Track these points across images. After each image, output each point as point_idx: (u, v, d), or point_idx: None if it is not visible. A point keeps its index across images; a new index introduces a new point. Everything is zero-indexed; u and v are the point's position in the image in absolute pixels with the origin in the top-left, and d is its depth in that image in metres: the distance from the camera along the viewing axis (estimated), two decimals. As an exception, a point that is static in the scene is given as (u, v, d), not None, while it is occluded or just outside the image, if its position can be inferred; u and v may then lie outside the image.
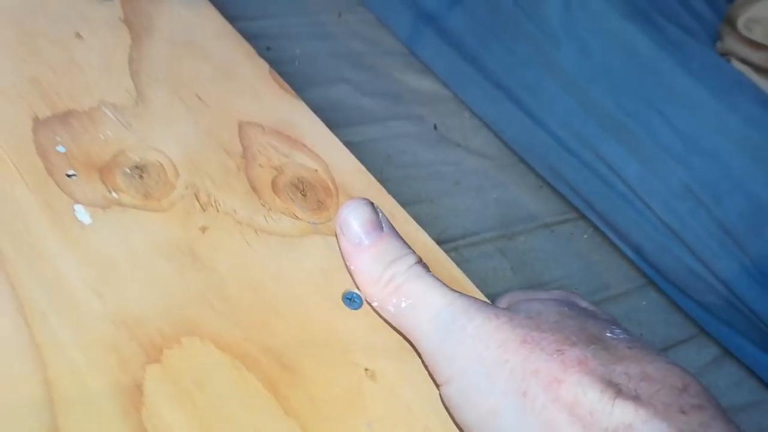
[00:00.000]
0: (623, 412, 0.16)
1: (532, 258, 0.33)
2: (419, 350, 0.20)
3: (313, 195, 0.24)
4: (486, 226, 0.33)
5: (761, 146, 0.35)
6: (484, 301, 0.20)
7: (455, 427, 0.19)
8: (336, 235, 0.22)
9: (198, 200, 0.22)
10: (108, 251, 0.19)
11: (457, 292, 0.20)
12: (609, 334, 0.19)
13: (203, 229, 0.21)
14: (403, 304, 0.21)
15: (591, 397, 0.17)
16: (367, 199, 0.22)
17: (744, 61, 0.37)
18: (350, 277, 0.22)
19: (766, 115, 0.35)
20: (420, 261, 0.21)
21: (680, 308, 0.38)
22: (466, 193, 0.35)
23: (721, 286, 0.35)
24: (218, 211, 0.22)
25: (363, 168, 0.25)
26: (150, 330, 0.17)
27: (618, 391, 0.17)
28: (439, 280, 0.20)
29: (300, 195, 0.24)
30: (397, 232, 0.22)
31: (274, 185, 0.24)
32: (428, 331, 0.20)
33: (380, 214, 0.22)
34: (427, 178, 0.35)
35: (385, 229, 0.22)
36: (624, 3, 0.38)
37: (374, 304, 0.21)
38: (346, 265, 0.21)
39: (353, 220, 0.21)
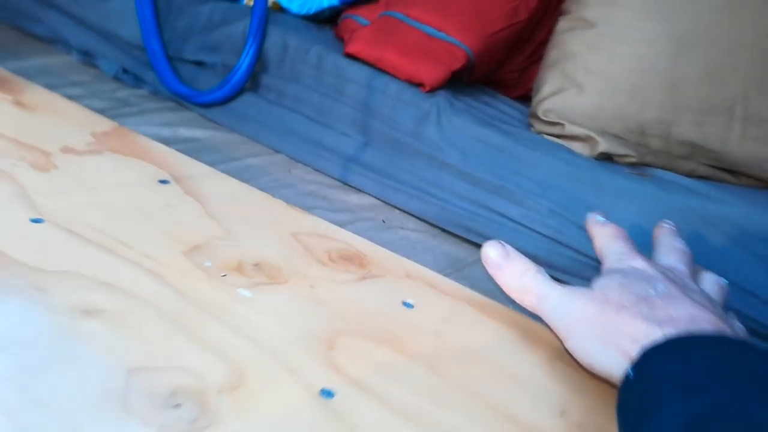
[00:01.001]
0: (660, 332, 0.32)
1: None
2: (550, 325, 0.37)
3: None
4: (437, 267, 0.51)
5: (577, 176, 0.57)
6: (579, 288, 0.37)
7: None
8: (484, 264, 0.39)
9: (298, 275, 0.40)
10: (264, 306, 0.36)
11: (562, 285, 0.37)
12: (652, 291, 0.34)
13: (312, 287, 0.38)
14: (534, 299, 0.37)
15: (640, 327, 0.32)
16: (495, 240, 0.40)
17: (549, 135, 0.61)
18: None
19: (574, 158, 0.58)
20: (539, 269, 0.38)
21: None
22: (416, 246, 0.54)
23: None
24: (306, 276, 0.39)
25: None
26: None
27: (657, 324, 0.32)
28: (551, 279, 0.38)
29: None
30: (519, 254, 0.39)
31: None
32: (553, 313, 0.36)
33: (506, 246, 0.39)
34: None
35: (511, 254, 0.39)
36: (475, 117, 0.61)
37: (517, 302, 0.38)
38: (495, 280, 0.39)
39: (490, 252, 0.39)
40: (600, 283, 0.37)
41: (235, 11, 0.73)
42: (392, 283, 0.43)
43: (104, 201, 0.43)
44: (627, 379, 0.31)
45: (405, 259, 0.46)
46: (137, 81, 0.76)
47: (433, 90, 0.63)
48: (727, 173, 0.60)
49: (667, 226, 0.45)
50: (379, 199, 0.63)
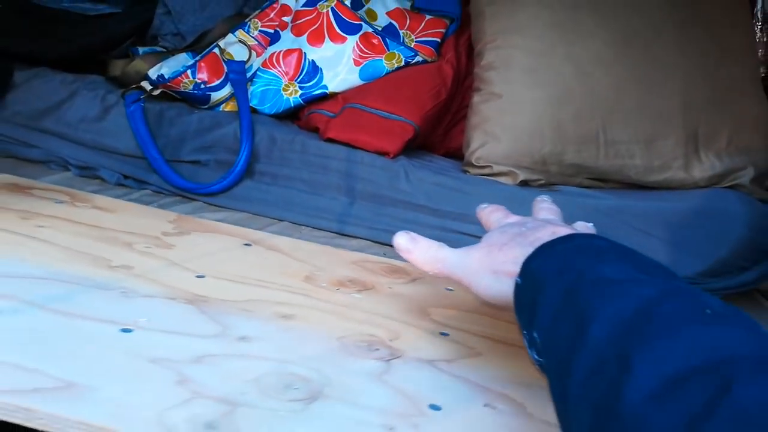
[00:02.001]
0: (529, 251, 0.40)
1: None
2: (458, 282, 0.45)
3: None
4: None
5: (510, 198, 0.82)
6: (470, 245, 0.46)
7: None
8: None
9: (376, 284, 0.60)
10: (372, 301, 0.55)
11: (460, 249, 0.46)
12: (524, 229, 0.44)
13: (390, 288, 0.58)
14: (440, 265, 0.46)
15: (518, 253, 0.40)
16: (403, 231, 0.50)
17: (483, 175, 0.86)
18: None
19: (505, 187, 0.84)
20: (441, 245, 0.47)
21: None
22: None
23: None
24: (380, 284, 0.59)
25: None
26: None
27: (530, 245, 0.41)
28: (450, 248, 0.47)
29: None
30: (423, 237, 0.49)
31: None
32: (455, 269, 0.45)
33: (411, 234, 0.49)
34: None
35: (416, 238, 0.48)
36: (430, 169, 0.85)
37: (429, 272, 0.48)
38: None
39: (400, 241, 0.49)
40: (484, 237, 0.47)
41: (221, 117, 0.91)
42: (431, 280, 0.64)
43: (226, 259, 0.60)
44: (517, 286, 0.39)
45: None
46: (140, 184, 0.90)
47: (396, 156, 0.86)
48: (600, 182, 0.89)
49: (543, 197, 0.57)
50: (370, 240, 0.83)
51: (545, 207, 0.54)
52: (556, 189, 0.85)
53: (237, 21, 1.01)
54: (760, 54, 1.09)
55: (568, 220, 0.78)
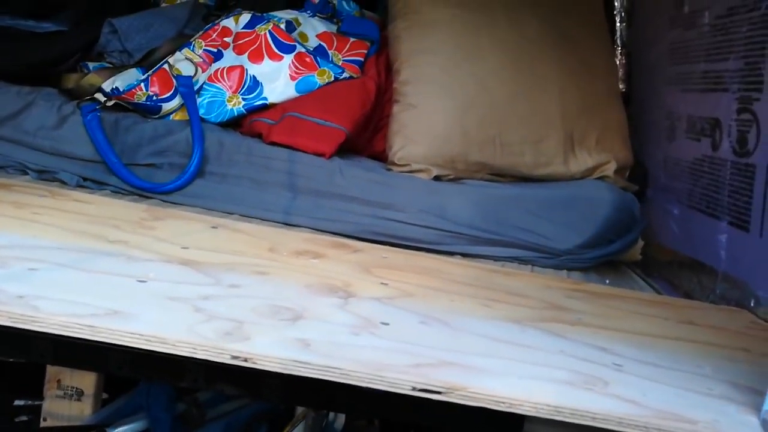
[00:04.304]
0: None
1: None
2: None
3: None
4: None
5: (427, 190, 0.99)
6: None
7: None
8: None
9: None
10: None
11: None
12: None
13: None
14: None
15: None
16: None
17: (404, 172, 1.02)
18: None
19: (422, 181, 1.00)
20: None
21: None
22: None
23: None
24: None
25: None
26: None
27: None
28: None
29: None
30: None
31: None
32: None
33: None
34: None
35: None
36: (359, 167, 1.00)
37: None
38: None
39: None
40: None
41: (173, 125, 1.03)
42: (369, 250, 0.79)
43: (201, 237, 0.72)
44: None
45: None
46: (99, 186, 1.00)
47: (331, 156, 1.01)
48: (499, 176, 1.08)
49: None
50: (312, 228, 0.97)
51: None
52: (463, 182, 1.03)
53: (182, 41, 1.13)
54: (620, 74, 1.33)
55: (475, 206, 0.96)
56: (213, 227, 0.78)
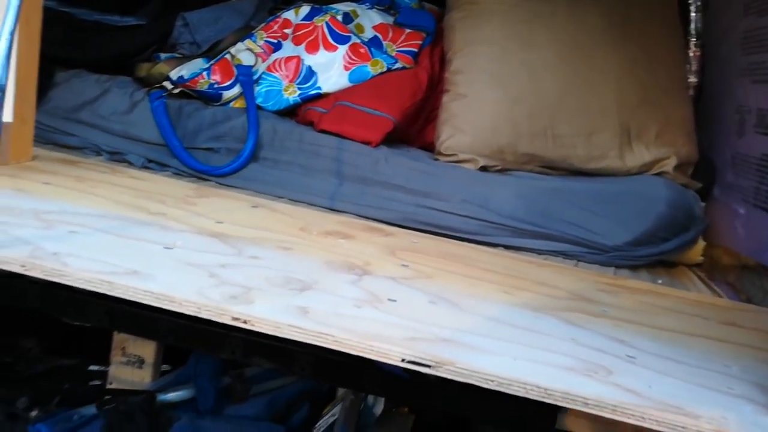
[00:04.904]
0: None
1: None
2: None
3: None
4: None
5: (472, 180, 0.98)
6: None
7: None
8: None
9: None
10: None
11: None
12: None
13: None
14: None
15: None
16: None
17: (450, 161, 1.02)
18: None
19: (468, 171, 1.00)
20: None
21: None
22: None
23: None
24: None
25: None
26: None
27: None
28: None
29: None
30: None
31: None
32: None
33: None
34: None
35: None
36: (407, 156, 1.01)
37: None
38: None
39: None
40: None
41: (231, 112, 1.08)
42: (402, 235, 0.80)
43: (238, 214, 0.76)
44: None
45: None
46: (162, 167, 1.06)
47: (378, 145, 1.03)
48: (550, 169, 1.05)
49: None
50: (356, 214, 0.99)
51: None
52: (509, 173, 1.02)
53: (245, 32, 1.18)
54: (694, 66, 1.26)
55: (520, 198, 0.95)
56: (253, 206, 0.82)
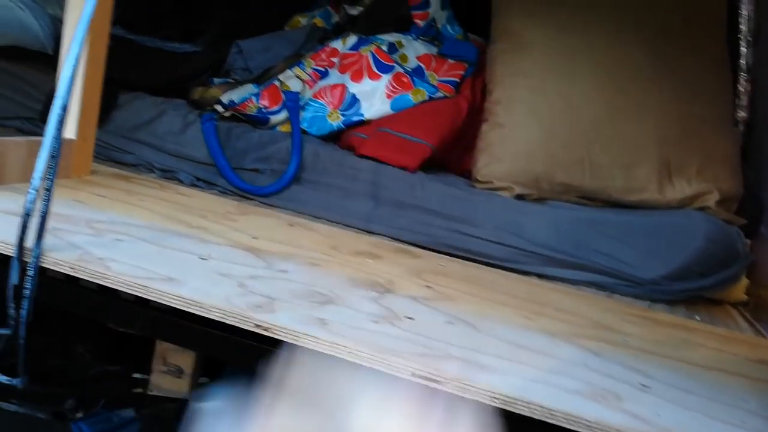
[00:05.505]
0: None
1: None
2: None
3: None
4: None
5: (507, 207, 0.99)
6: None
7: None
8: None
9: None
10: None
11: None
12: None
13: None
14: None
15: None
16: None
17: (486, 189, 1.04)
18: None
19: (503, 199, 1.01)
20: None
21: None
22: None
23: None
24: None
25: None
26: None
27: None
28: None
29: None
30: None
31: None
32: None
33: None
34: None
35: None
36: (443, 182, 1.04)
37: None
38: None
39: None
40: None
41: (277, 135, 1.13)
42: (430, 257, 0.81)
43: (275, 231, 0.80)
44: None
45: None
46: (209, 185, 1.12)
47: (415, 170, 1.05)
48: (586, 199, 1.05)
49: None
50: (391, 237, 1.02)
51: None
52: (545, 202, 1.03)
53: (295, 60, 1.24)
54: (744, 100, 1.24)
55: (555, 227, 0.95)
56: (290, 225, 0.86)
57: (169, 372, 1.24)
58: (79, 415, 1.10)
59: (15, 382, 0.59)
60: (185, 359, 1.22)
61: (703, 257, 0.95)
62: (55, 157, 0.54)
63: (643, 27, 1.09)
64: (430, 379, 0.48)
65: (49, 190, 0.54)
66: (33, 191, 0.54)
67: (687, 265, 0.94)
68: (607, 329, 0.67)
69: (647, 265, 0.95)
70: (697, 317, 0.92)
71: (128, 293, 0.55)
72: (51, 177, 0.54)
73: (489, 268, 0.90)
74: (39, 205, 0.54)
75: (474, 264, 0.90)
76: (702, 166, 1.03)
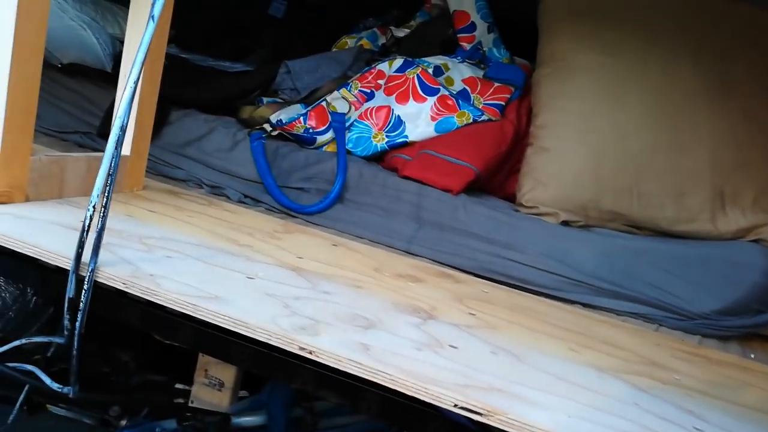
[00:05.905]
0: None
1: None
2: None
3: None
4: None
5: (552, 234, 0.98)
6: None
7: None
8: None
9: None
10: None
11: None
12: None
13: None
14: None
15: None
16: None
17: (530, 214, 1.02)
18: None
19: (548, 224, 1.00)
20: None
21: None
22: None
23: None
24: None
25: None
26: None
27: None
28: None
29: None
30: None
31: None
32: None
33: None
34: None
35: None
36: (486, 206, 1.03)
37: None
38: None
39: None
40: None
41: (323, 155, 1.14)
42: (472, 282, 0.81)
43: (319, 251, 0.81)
44: None
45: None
46: (256, 202, 1.14)
47: (458, 193, 1.05)
48: (634, 228, 1.03)
49: None
50: (432, 259, 1.01)
51: None
52: (592, 230, 1.01)
53: (342, 81, 1.25)
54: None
55: (602, 255, 0.93)
56: (333, 245, 0.86)
57: (210, 384, 1.26)
58: (124, 422, 1.13)
59: (66, 390, 0.61)
60: (227, 373, 1.23)
61: (759, 293, 0.91)
62: (112, 174, 0.56)
63: (701, 51, 1.07)
64: (473, 411, 0.47)
65: (105, 206, 0.56)
66: (91, 207, 0.56)
67: (743, 300, 0.91)
68: (657, 366, 0.65)
69: (698, 298, 0.92)
70: (752, 355, 0.88)
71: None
72: (108, 194, 0.56)
73: (532, 295, 0.89)
74: (96, 221, 0.56)
75: (517, 291, 0.88)
76: (758, 197, 1.00)
